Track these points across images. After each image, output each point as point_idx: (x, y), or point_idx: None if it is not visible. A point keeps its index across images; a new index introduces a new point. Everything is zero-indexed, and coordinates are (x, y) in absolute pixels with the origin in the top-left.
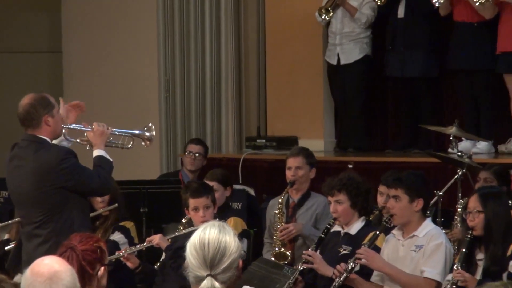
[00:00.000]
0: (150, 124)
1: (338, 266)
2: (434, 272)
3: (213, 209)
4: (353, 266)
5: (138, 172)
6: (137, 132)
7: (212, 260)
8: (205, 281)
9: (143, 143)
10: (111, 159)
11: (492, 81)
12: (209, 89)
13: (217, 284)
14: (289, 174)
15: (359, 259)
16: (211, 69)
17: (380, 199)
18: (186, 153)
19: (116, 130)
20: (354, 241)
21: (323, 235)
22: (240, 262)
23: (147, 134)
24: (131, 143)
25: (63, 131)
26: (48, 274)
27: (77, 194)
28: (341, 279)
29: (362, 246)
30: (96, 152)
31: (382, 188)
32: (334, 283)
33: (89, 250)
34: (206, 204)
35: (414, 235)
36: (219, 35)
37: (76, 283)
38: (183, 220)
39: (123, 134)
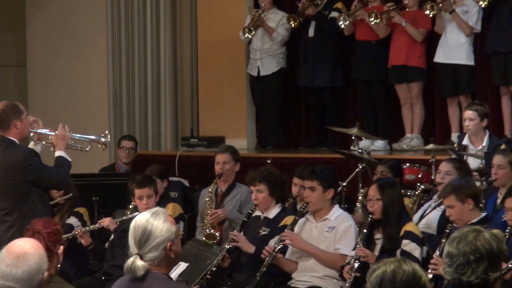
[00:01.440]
0: (106, 132)
1: (267, 247)
2: (347, 249)
3: (155, 198)
4: (279, 247)
5: (91, 167)
6: (93, 137)
7: (139, 241)
8: (130, 258)
9: (99, 146)
10: (70, 159)
11: (387, 90)
12: (150, 96)
13: (139, 262)
14: (217, 168)
15: (284, 240)
16: (152, 80)
17: (295, 189)
18: (120, 148)
19: (76, 135)
20: (272, 223)
21: (246, 219)
22: (168, 245)
23: (103, 140)
24: (89, 146)
25: (31, 134)
26: (17, 253)
27: (38, 187)
28: (270, 259)
29: (286, 229)
30: (57, 153)
31: (296, 180)
32: (264, 263)
33: (51, 232)
34: (149, 193)
35: (326, 218)
36: (159, 51)
37: (42, 265)
38: (130, 206)
39: (82, 139)
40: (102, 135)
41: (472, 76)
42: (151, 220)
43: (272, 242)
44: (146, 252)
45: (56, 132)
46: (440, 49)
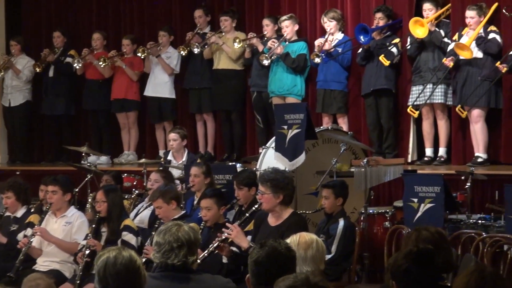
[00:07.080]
0: None
1: (23, 240)
2: (83, 239)
3: None
4: (32, 239)
5: None
6: None
7: None
8: None
9: None
10: None
11: (110, 117)
12: None
13: None
14: None
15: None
16: None
17: (42, 194)
18: None
19: None
20: (20, 221)
21: None
22: None
23: None
24: None
25: None
26: None
27: None
28: (27, 248)
29: (35, 226)
30: None
31: (42, 187)
32: (22, 251)
33: None
34: None
35: (64, 215)
36: None
37: None
38: None
39: None
40: None
41: (174, 107)
42: None
43: (21, 235)
44: None
45: None
46: (149, 85)
